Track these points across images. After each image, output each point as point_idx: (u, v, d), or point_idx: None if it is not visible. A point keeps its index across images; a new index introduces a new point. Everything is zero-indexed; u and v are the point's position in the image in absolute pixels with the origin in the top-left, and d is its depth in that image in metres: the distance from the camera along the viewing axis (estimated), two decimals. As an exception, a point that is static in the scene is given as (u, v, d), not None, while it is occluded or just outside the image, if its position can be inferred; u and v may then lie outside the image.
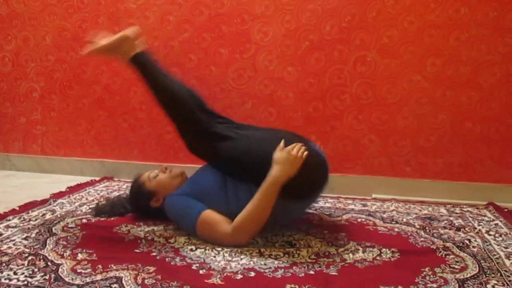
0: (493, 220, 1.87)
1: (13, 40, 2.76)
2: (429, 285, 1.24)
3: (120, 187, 2.41)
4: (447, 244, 1.55)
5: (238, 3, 2.34)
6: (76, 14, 2.62)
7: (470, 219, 1.90)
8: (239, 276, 1.30)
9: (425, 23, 2.17)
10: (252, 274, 1.32)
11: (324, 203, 2.15)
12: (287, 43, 2.32)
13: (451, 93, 2.20)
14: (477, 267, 1.36)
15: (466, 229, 1.74)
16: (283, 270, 1.34)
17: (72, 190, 2.32)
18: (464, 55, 2.16)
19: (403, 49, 2.21)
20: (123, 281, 1.24)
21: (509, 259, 1.43)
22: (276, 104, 2.38)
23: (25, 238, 1.58)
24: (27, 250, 1.46)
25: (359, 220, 1.88)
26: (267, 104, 2.38)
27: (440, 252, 1.49)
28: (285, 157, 1.52)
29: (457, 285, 1.24)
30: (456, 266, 1.37)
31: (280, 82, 2.36)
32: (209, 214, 1.54)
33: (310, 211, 1.99)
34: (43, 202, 2.06)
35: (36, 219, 1.81)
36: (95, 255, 1.43)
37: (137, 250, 1.50)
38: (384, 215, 1.94)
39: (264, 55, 2.36)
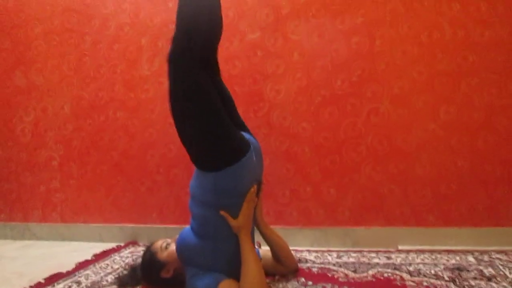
0: (525, 267, 1.82)
1: (32, 112, 2.85)
2: None
3: (142, 252, 2.38)
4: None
5: (250, 63, 2.42)
6: (92, 83, 2.71)
7: (501, 267, 1.84)
8: None
9: (435, 72, 2.22)
10: None
11: (347, 258, 2.11)
12: (299, 99, 2.37)
13: (467, 139, 2.20)
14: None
15: (498, 278, 1.69)
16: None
17: (97, 257, 2.32)
18: (477, 100, 2.18)
19: (415, 99, 2.24)
20: None
21: (549, 311, 1.38)
22: (293, 159, 2.39)
23: (52, 316, 1.56)
24: (55, 330, 1.44)
25: (385, 275, 1.83)
26: (284, 160, 2.40)
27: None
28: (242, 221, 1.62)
29: None
30: (495, 322, 1.32)
31: (295, 138, 2.38)
32: None
33: (334, 267, 1.94)
34: (69, 273, 2.05)
35: (62, 293, 1.80)
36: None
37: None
38: (411, 268, 1.89)
39: (278, 112, 2.40)
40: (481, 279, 1.69)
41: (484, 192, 2.18)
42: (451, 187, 2.21)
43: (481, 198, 2.19)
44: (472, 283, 1.66)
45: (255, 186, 1.66)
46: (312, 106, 2.35)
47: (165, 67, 2.50)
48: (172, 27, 2.53)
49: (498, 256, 1.99)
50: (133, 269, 1.91)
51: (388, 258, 2.07)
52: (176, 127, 1.65)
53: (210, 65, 1.74)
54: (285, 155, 2.40)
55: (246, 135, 1.73)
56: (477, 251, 2.09)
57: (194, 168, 1.70)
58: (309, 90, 2.36)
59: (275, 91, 2.40)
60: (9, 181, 2.92)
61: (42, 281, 1.93)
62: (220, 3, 1.73)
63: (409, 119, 2.25)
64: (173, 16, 2.52)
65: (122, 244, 2.57)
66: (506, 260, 1.92)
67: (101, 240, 2.68)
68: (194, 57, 1.57)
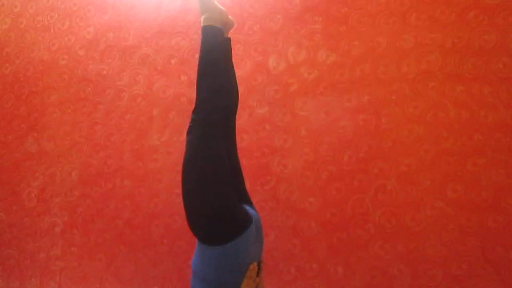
0: None
1: (40, 177, 2.87)
2: None
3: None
4: None
5: (258, 137, 2.46)
6: (102, 151, 2.75)
7: None
8: None
9: (441, 150, 2.24)
10: None
11: None
12: (307, 174, 2.38)
13: (477, 218, 2.17)
14: None
15: None
16: None
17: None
18: (484, 180, 2.18)
19: (422, 177, 2.24)
20: None
21: None
22: (299, 235, 2.35)
23: None
24: None
25: None
26: (290, 235, 2.36)
27: None
28: None
29: None
30: None
31: (302, 213, 2.36)
32: None
33: None
34: None
35: None
36: None
37: None
38: None
39: (285, 186, 2.40)
40: None
41: (496, 275, 2.11)
42: (462, 267, 2.15)
43: (493, 281, 2.11)
44: None
45: (255, 264, 1.62)
46: (319, 181, 2.36)
47: (174, 138, 2.59)
48: (183, 100, 2.63)
49: None
50: None
51: None
52: (183, 195, 1.65)
53: (228, 134, 1.79)
54: (292, 230, 2.36)
55: (247, 208, 1.72)
56: None
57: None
58: (317, 165, 2.37)
59: (282, 165, 2.42)
60: (10, 246, 2.88)
61: None
62: (235, 73, 1.82)
63: (417, 196, 2.24)
64: (185, 89, 2.63)
65: (120, 319, 2.47)
66: None
67: (99, 313, 2.59)
68: (215, 125, 1.64)
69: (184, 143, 2.62)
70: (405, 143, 2.28)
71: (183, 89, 2.63)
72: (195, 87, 1.70)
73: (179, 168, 2.60)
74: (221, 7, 1.85)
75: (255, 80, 2.52)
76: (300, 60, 2.48)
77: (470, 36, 2.26)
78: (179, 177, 2.57)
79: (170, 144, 2.61)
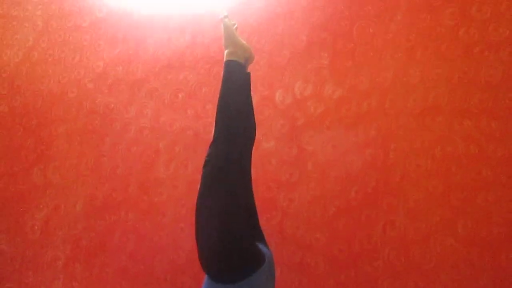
0: None
1: (44, 209, 2.85)
2: None
3: None
4: None
5: (264, 171, 2.45)
6: (107, 183, 2.74)
7: None
8: None
9: (450, 186, 2.20)
10: None
11: None
12: (313, 209, 2.34)
13: (489, 255, 2.11)
14: None
15: None
16: None
17: None
18: (495, 215, 2.13)
19: (431, 212, 2.20)
20: None
21: None
22: (306, 272, 2.29)
23: None
24: None
25: None
26: (296, 272, 2.30)
27: None
28: None
29: None
30: None
31: (308, 249, 2.31)
32: None
33: None
34: None
35: None
36: None
37: None
38: None
39: (291, 221, 2.36)
40: None
41: (511, 316, 2.04)
42: (475, 309, 2.08)
43: (508, 323, 2.04)
44: None
45: None
46: (326, 216, 2.32)
47: (180, 171, 2.58)
48: (189, 133, 2.63)
49: None
50: None
51: None
52: (196, 229, 1.60)
53: (245, 171, 1.77)
54: (298, 267, 2.31)
55: (261, 246, 1.68)
56: None
57: (203, 277, 1.63)
58: (323, 200, 2.34)
59: (288, 200, 2.39)
60: (11, 280, 2.82)
61: None
62: (253, 108, 1.84)
63: (426, 233, 2.19)
64: (191, 123, 2.64)
65: None
66: None
67: None
68: (233, 161, 1.61)
69: (189, 177, 2.61)
70: (413, 178, 2.25)
71: (189, 122, 2.64)
72: (215, 120, 1.68)
73: (184, 202, 2.59)
74: (244, 42, 1.87)
75: (261, 114, 2.52)
76: (306, 94, 2.49)
77: (476, 71, 2.27)
78: (183, 211, 2.56)
79: (175, 177, 2.59)
